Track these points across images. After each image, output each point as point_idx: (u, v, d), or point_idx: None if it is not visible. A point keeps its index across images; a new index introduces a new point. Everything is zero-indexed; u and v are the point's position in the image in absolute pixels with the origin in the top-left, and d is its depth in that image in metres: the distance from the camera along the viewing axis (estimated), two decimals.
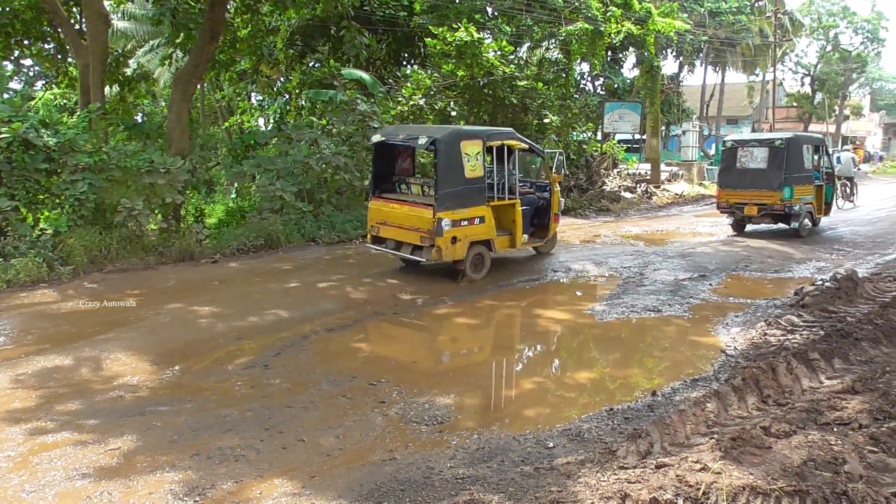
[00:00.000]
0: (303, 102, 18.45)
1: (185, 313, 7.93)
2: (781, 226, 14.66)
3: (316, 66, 20.76)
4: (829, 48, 49.96)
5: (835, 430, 4.52)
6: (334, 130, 15.19)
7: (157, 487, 4.14)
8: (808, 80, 52.09)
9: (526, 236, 10.78)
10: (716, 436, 4.51)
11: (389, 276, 10.07)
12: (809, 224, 14.72)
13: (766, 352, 6.66)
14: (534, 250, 11.74)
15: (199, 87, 18.55)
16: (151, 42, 23.36)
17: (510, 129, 11.42)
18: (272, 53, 19.32)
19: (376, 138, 10.72)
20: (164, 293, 8.84)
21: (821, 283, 9.09)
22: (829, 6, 49.32)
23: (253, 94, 24.23)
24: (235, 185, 15.45)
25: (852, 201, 21.05)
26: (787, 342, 6.85)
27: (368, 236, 10.78)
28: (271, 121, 19.56)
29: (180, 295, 8.73)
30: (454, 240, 9.46)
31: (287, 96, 20.47)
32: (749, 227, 15.26)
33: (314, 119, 16.13)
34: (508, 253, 11.03)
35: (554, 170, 11.45)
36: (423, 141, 9.64)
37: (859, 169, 25.94)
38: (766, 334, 7.32)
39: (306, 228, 12.74)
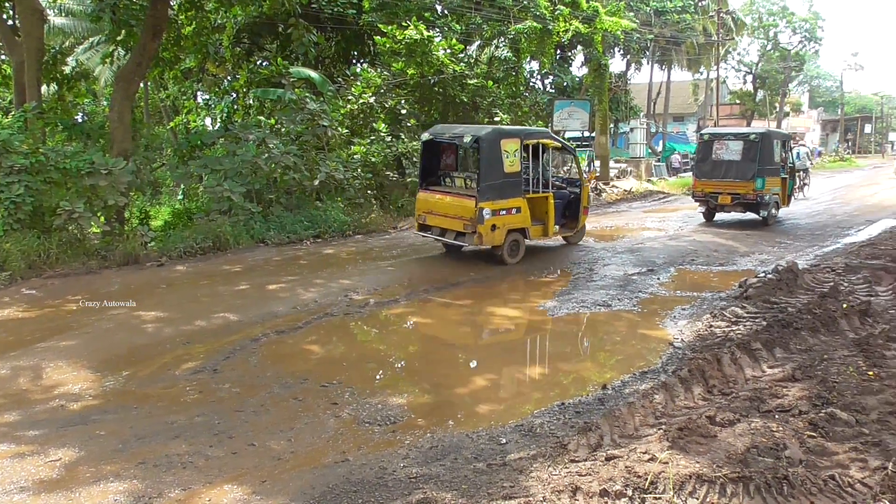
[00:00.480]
0: (250, 101, 18.19)
1: (130, 318, 7.73)
2: (750, 215, 15.65)
3: (263, 64, 20.48)
4: (769, 47, 51.40)
5: (776, 416, 4.66)
6: (283, 129, 15.01)
7: (101, 498, 4.02)
8: (750, 77, 53.51)
9: (557, 227, 11.79)
10: (664, 426, 4.59)
11: (341, 276, 9.99)
12: (776, 213, 15.81)
13: (712, 343, 6.81)
14: (564, 240, 12.69)
15: (142, 85, 18.13)
16: (91, 39, 22.75)
17: (546, 129, 13.33)
18: (218, 51, 18.98)
19: (425, 136, 11.77)
20: (108, 298, 8.59)
21: (763, 275, 9.35)
22: (769, 6, 50.77)
23: (199, 92, 23.74)
24: (182, 186, 15.14)
25: (804, 194, 22.03)
26: (732, 333, 7.02)
27: (416, 224, 11.88)
28: (218, 120, 19.19)
29: (124, 299, 8.49)
30: (493, 227, 10.53)
31: (234, 95, 20.14)
32: (717, 217, 16.24)
33: (262, 118, 15.91)
34: (541, 241, 12.14)
35: (586, 167, 12.64)
36: (467, 139, 10.70)
37: (812, 164, 26.87)
38: (711, 326, 7.49)
39: (255, 229, 12.55)
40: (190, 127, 20.33)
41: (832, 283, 8.55)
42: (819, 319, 6.79)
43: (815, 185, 26.08)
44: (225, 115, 19.35)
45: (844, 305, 7.24)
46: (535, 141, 11.33)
